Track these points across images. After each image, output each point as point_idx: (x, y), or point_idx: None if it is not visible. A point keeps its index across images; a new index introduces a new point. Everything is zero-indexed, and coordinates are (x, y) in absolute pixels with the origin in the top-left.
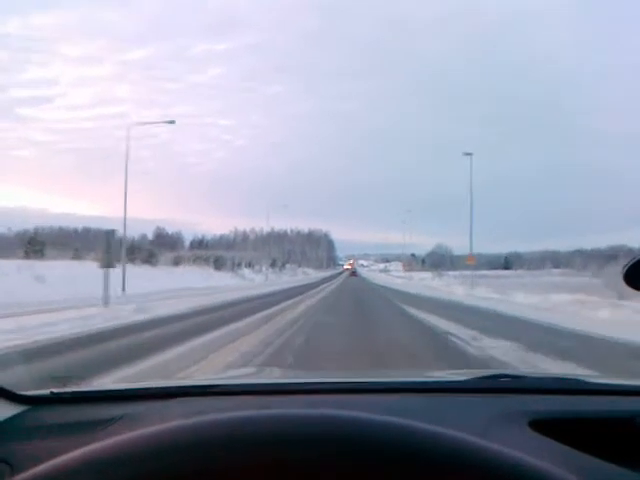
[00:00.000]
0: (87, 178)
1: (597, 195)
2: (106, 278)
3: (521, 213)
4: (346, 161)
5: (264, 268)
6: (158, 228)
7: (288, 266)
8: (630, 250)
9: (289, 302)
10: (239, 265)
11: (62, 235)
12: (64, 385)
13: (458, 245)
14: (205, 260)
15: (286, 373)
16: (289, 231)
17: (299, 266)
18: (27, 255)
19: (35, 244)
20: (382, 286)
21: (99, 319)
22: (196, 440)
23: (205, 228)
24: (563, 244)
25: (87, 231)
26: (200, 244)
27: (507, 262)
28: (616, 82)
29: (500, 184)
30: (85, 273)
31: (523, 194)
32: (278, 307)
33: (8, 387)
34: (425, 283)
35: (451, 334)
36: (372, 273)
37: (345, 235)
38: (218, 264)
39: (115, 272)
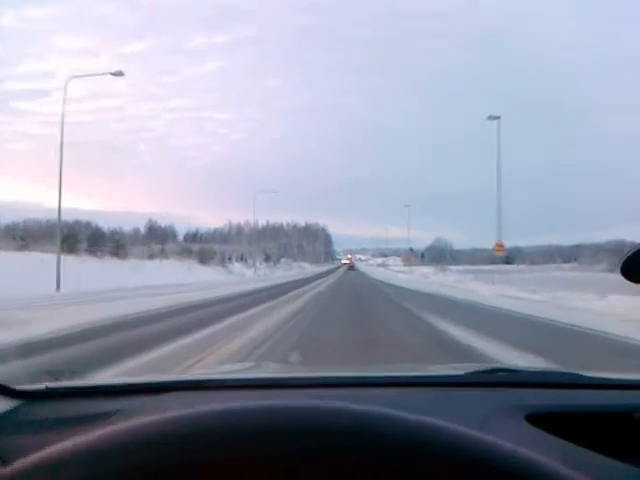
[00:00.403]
0: (83, 172)
1: (596, 191)
2: None
3: (520, 208)
4: (344, 156)
5: (257, 262)
6: (150, 221)
7: (283, 260)
8: (632, 244)
9: (264, 307)
10: (230, 259)
11: (48, 228)
12: (59, 380)
13: (457, 239)
14: (190, 254)
15: (283, 368)
16: (285, 225)
17: (294, 260)
18: None
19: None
20: (384, 282)
21: None
22: (187, 432)
23: (202, 222)
24: (561, 239)
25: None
26: (194, 238)
27: (508, 257)
28: (619, 79)
29: (495, 182)
30: (27, 266)
31: (522, 190)
32: (244, 315)
33: (2, 382)
34: (433, 279)
35: None
36: (371, 267)
37: (343, 230)
38: (203, 258)
39: (71, 266)
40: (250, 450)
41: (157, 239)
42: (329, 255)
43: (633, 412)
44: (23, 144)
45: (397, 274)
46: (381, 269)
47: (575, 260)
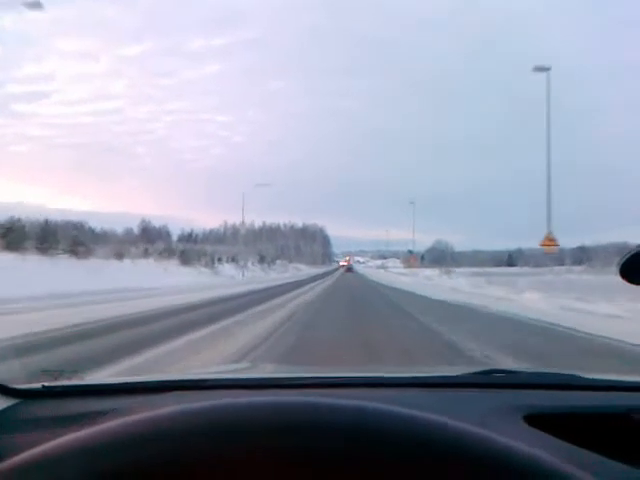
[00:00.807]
0: (83, 173)
1: (597, 193)
2: None
3: (520, 210)
4: (343, 158)
5: (250, 264)
6: (143, 221)
7: (279, 262)
8: (635, 246)
9: (223, 324)
10: (219, 260)
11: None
12: (56, 379)
13: (456, 242)
14: (174, 254)
15: (280, 368)
16: (282, 225)
17: (290, 262)
18: None
19: None
20: (388, 287)
21: None
22: (184, 428)
23: (202, 224)
24: (561, 241)
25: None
26: (189, 238)
27: (511, 259)
28: (620, 80)
29: (500, 182)
30: None
31: (522, 192)
32: (178, 343)
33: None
34: (443, 283)
35: None
36: (370, 270)
37: (341, 232)
38: (185, 258)
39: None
40: (248, 446)
41: (150, 240)
42: (327, 257)
43: (631, 413)
44: (24, 146)
45: (399, 277)
46: (381, 271)
47: (580, 263)
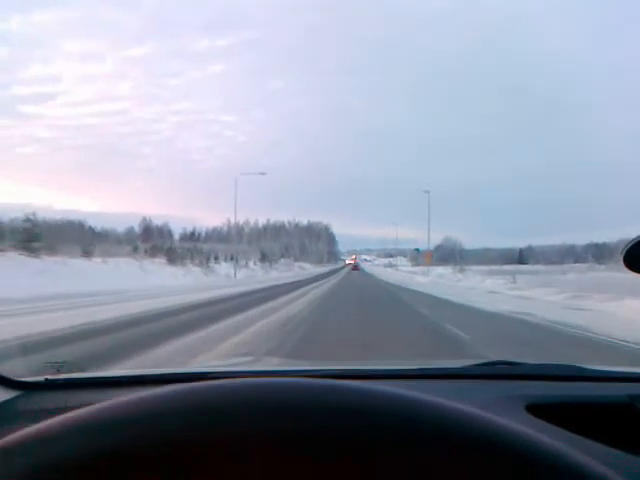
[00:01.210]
0: (90, 174)
1: (607, 189)
2: None
3: (528, 208)
4: (349, 157)
5: (252, 263)
6: (144, 220)
7: (283, 260)
8: None
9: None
10: (216, 259)
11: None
12: (58, 371)
13: (465, 239)
14: (161, 252)
15: (284, 362)
16: (287, 223)
17: (295, 260)
18: None
19: None
20: (407, 290)
21: None
22: (173, 407)
23: (206, 224)
24: (569, 238)
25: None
26: (191, 237)
27: (522, 256)
28: (626, 77)
29: (506, 181)
30: None
31: (530, 189)
32: None
33: (3, 373)
34: (470, 284)
35: None
36: (378, 268)
37: (347, 230)
38: (172, 257)
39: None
40: (247, 427)
41: (150, 239)
42: (333, 255)
43: (634, 402)
44: (31, 147)
45: (412, 276)
46: (389, 270)
47: (592, 259)
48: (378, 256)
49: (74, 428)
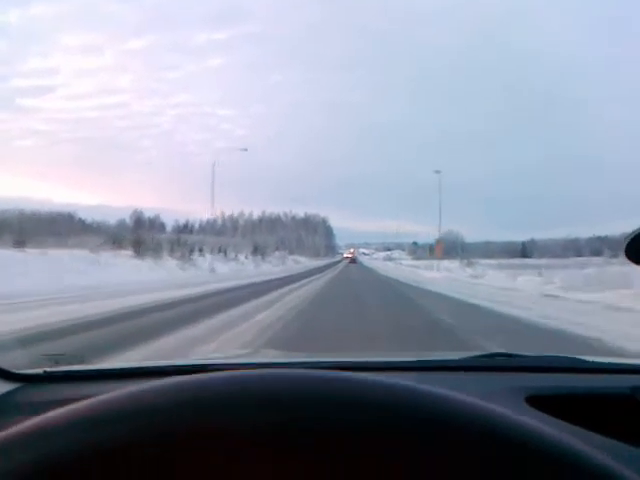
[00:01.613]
0: (89, 167)
1: (607, 182)
2: None
3: (528, 201)
4: (349, 152)
5: (243, 256)
6: (136, 212)
7: (277, 254)
8: None
9: None
10: (201, 251)
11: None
12: (57, 363)
13: (466, 233)
14: (131, 243)
15: (282, 354)
16: (283, 215)
17: (290, 254)
18: None
19: None
20: (417, 288)
21: None
22: (172, 400)
23: (205, 216)
24: (570, 231)
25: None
26: (184, 229)
27: (525, 250)
28: (624, 71)
29: (506, 174)
30: None
31: (530, 183)
32: None
33: (1, 365)
34: (498, 283)
35: None
36: (377, 262)
37: (345, 223)
38: (141, 249)
39: None
40: (237, 420)
41: (143, 231)
42: (330, 249)
43: (634, 394)
44: (29, 140)
45: (416, 271)
46: (389, 263)
47: (599, 253)
48: (377, 250)
49: (72, 422)
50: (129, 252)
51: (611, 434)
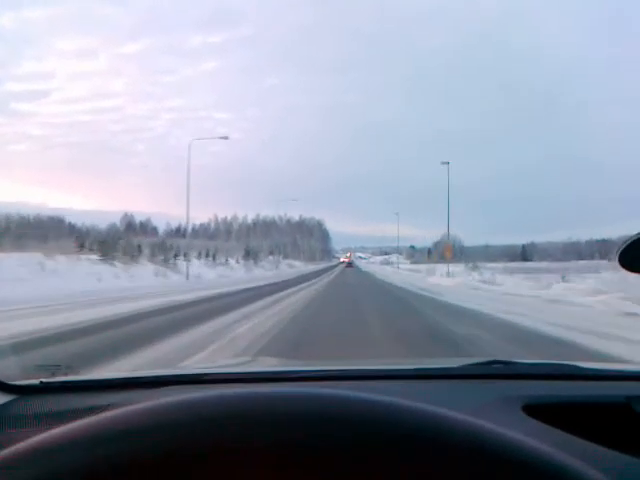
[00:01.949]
0: (84, 171)
1: (607, 185)
2: None
3: (527, 205)
4: (344, 154)
5: (234, 260)
6: (126, 216)
7: (270, 258)
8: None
9: None
10: (185, 255)
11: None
12: (53, 374)
13: (464, 236)
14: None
15: (280, 362)
16: (277, 219)
17: (285, 258)
18: None
19: None
20: (433, 300)
21: None
22: (182, 418)
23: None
24: (569, 234)
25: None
26: (177, 233)
27: (525, 253)
28: (625, 72)
29: (505, 176)
30: None
31: (529, 186)
32: None
33: None
34: (536, 293)
35: None
36: (374, 266)
37: (341, 228)
38: (108, 254)
39: None
40: (246, 438)
41: (135, 235)
42: (326, 253)
43: (631, 403)
44: (24, 145)
45: (417, 275)
46: (387, 268)
47: (602, 256)
48: (373, 254)
49: (75, 440)
50: (95, 256)
51: (607, 443)
